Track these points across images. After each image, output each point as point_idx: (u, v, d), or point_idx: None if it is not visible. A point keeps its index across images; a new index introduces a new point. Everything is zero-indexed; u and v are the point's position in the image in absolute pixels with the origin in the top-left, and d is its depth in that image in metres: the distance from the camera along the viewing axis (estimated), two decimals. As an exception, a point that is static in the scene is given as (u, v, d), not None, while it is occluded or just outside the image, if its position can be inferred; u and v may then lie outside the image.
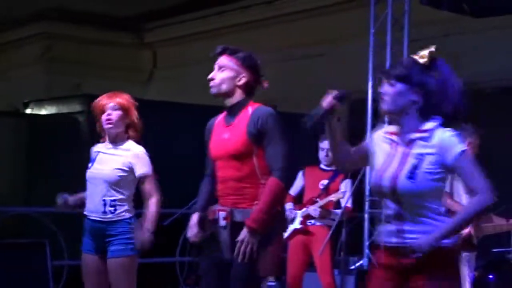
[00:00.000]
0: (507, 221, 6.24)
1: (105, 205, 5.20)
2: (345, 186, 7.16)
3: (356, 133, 10.41)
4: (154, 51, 16.13)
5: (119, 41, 15.66)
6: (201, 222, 4.63)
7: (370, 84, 9.21)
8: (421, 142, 3.64)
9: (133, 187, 5.27)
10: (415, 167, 3.61)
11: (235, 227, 4.42)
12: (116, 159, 5.24)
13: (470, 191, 3.68)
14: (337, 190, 7.13)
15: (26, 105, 11.32)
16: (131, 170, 5.23)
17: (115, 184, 5.20)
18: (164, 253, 8.70)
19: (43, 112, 10.97)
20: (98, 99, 5.36)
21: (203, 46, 14.90)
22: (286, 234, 7.22)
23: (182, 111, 10.40)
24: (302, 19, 13.26)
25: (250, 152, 4.46)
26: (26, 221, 9.24)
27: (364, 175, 8.47)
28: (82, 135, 9.62)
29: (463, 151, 3.61)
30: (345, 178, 7.19)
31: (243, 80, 4.64)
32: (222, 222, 4.49)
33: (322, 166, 7.30)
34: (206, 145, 4.74)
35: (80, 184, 9.42)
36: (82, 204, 5.43)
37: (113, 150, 5.30)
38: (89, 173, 5.33)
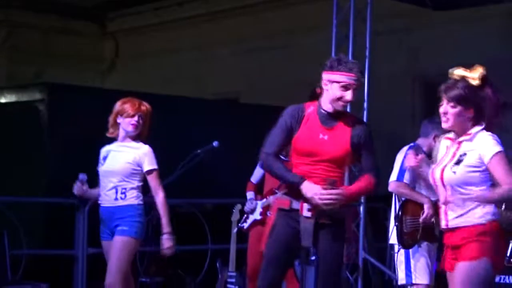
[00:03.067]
0: None
1: (116, 192, 5.83)
2: None
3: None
4: (116, 40, 16.03)
5: (81, 30, 15.53)
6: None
7: (332, 76, 9.21)
8: (466, 143, 4.59)
9: (141, 180, 5.92)
10: (458, 162, 4.56)
11: (319, 218, 4.97)
12: (127, 154, 5.88)
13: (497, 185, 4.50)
14: None
15: (-15, 93, 11.20)
16: (139, 165, 5.86)
17: (126, 175, 5.84)
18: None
19: (3, 100, 10.85)
20: (127, 103, 5.93)
21: (165, 37, 14.92)
22: (246, 225, 7.24)
23: (143, 101, 10.32)
24: (264, 10, 13.25)
25: (346, 159, 5.08)
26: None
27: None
28: (42, 123, 9.53)
29: (498, 152, 4.50)
30: None
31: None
32: (307, 213, 4.98)
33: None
34: (287, 131, 5.07)
35: (39, 172, 9.37)
36: (91, 196, 6.12)
37: (123, 147, 5.92)
38: (104, 168, 5.93)
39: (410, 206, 6.21)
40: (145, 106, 5.99)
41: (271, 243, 5.11)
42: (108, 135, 6.01)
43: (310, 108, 5.10)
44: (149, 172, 5.88)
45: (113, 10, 15.48)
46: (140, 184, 5.93)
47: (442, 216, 4.70)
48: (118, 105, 5.94)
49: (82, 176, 5.91)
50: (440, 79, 11.57)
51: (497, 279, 7.31)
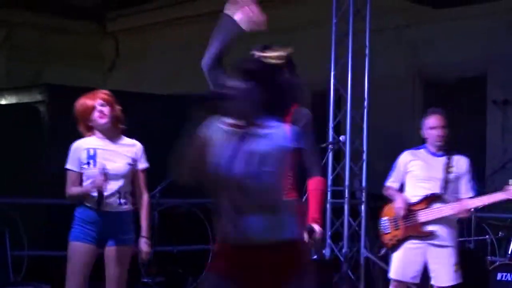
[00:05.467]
0: None
1: (120, 197, 5.41)
2: None
3: (318, 123, 10.49)
4: (117, 40, 16.02)
5: (81, 30, 15.51)
6: None
7: (332, 73, 9.23)
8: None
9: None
10: None
11: None
12: (125, 154, 5.50)
13: None
14: None
15: (-15, 94, 11.22)
16: (135, 164, 5.52)
17: (128, 177, 5.48)
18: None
19: (3, 101, 10.86)
20: (80, 101, 5.52)
21: (166, 36, 14.91)
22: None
23: (144, 101, 10.35)
24: (264, 9, 13.20)
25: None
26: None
27: (326, 164, 8.51)
28: (43, 124, 9.55)
29: None
30: None
31: None
32: None
33: None
34: None
35: (40, 173, 9.37)
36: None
37: (115, 146, 5.52)
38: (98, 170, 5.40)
39: (387, 208, 6.31)
40: (100, 92, 5.57)
41: None
42: (87, 135, 5.53)
43: None
44: (144, 170, 5.56)
45: (113, 9, 15.46)
46: None
47: None
48: (77, 109, 5.51)
49: (105, 169, 5.37)
50: (440, 76, 11.56)
51: (498, 276, 7.32)
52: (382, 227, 6.40)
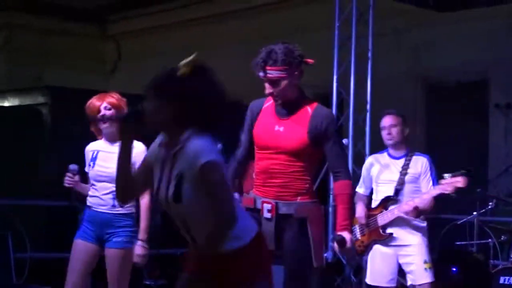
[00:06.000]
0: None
1: (114, 198, 5.34)
2: None
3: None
4: (118, 43, 16.02)
5: (82, 32, 15.51)
6: None
7: (335, 77, 9.22)
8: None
9: None
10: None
11: (280, 219, 4.63)
12: None
13: None
14: None
15: (-13, 97, 11.22)
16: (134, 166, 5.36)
17: None
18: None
19: (6, 103, 10.87)
20: (90, 101, 5.50)
21: (167, 38, 14.91)
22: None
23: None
24: (266, 12, 13.25)
25: (306, 150, 4.59)
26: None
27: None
28: (45, 126, 9.55)
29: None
30: None
31: (296, 77, 4.66)
32: (267, 215, 4.65)
33: None
34: (248, 127, 4.80)
35: (42, 174, 9.37)
36: (83, 191, 5.54)
37: (115, 148, 5.35)
38: (95, 171, 5.46)
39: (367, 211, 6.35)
40: (110, 96, 5.51)
41: None
42: (99, 139, 5.57)
43: (270, 101, 4.78)
44: None
45: (115, 12, 15.46)
46: None
47: None
48: (86, 110, 5.50)
49: (73, 167, 5.47)
50: (442, 80, 11.56)
51: (501, 280, 7.32)
52: (353, 234, 6.44)
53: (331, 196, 9.02)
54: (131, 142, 3.69)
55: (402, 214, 6.06)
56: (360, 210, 6.33)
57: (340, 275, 8.94)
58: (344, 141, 7.70)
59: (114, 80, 15.65)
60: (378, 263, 6.21)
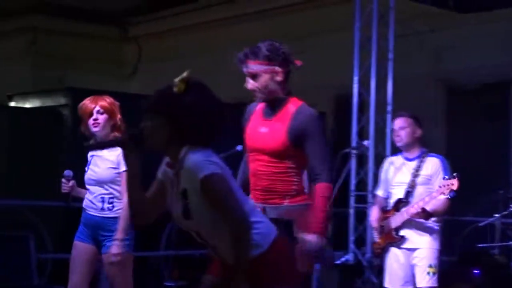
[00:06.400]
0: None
1: (103, 201, 5.38)
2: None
3: (341, 129, 10.47)
4: (139, 45, 16.07)
5: (103, 35, 15.58)
6: None
7: (355, 79, 9.21)
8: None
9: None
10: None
11: None
12: (107, 158, 5.40)
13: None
14: None
15: (10, 98, 11.28)
16: (118, 167, 5.38)
17: (111, 182, 5.40)
18: (149, 247, 8.68)
19: (27, 105, 10.92)
20: (83, 102, 5.49)
21: (188, 40, 14.94)
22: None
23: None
24: (287, 13, 13.24)
25: (287, 151, 4.43)
26: (9, 214, 9.19)
27: (349, 170, 8.48)
28: (66, 128, 9.58)
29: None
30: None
31: (280, 75, 4.56)
32: None
33: None
34: (243, 129, 4.71)
35: (62, 175, 9.38)
36: (80, 195, 5.54)
37: (104, 151, 5.42)
38: (87, 175, 5.49)
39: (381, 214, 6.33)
40: (102, 99, 5.47)
41: None
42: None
43: (260, 104, 4.68)
44: (123, 174, 5.31)
45: (135, 15, 15.52)
46: None
47: None
48: (78, 110, 5.49)
49: (68, 173, 5.48)
50: (463, 81, 11.52)
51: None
52: (374, 237, 6.45)
53: (351, 198, 9.01)
54: (137, 166, 3.64)
55: (408, 216, 6.02)
56: (373, 214, 6.33)
57: (361, 277, 8.92)
58: (365, 142, 7.69)
59: (134, 82, 15.70)
60: (393, 265, 6.17)
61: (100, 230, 5.38)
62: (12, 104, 11.20)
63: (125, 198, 5.27)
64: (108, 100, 5.48)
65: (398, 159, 6.27)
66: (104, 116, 5.40)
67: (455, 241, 8.64)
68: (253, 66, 4.54)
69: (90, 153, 5.54)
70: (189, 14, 14.55)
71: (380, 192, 6.39)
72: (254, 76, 4.53)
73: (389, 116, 9.10)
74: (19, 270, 7.96)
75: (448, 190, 5.80)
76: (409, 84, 10.59)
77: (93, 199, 5.42)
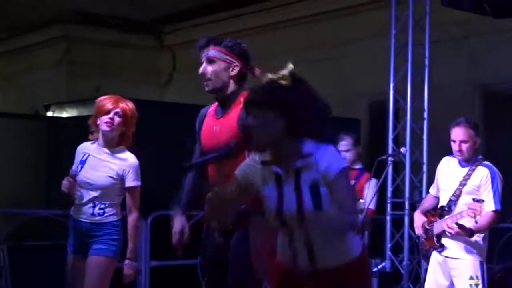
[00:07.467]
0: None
1: (94, 207, 5.26)
2: (370, 187, 7.05)
3: (377, 135, 10.41)
4: (174, 53, 16.13)
5: (138, 44, 15.67)
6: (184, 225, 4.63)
7: (391, 85, 9.16)
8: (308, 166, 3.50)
9: (122, 194, 5.35)
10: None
11: (227, 232, 4.38)
12: (110, 166, 5.30)
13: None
14: (362, 190, 7.10)
15: (47, 108, 11.37)
16: (121, 179, 5.29)
17: (106, 190, 5.27)
18: (186, 254, 8.66)
19: (64, 114, 11.00)
20: (103, 99, 5.41)
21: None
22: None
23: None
24: (323, 20, 13.21)
25: (240, 146, 4.25)
26: (46, 223, 9.25)
27: (386, 177, 8.41)
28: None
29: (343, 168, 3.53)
30: (371, 177, 7.09)
31: (236, 70, 4.52)
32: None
33: None
34: (197, 136, 4.65)
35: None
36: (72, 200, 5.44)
37: (108, 156, 5.34)
38: (82, 176, 5.34)
39: (428, 215, 6.23)
40: (125, 103, 5.37)
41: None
42: (90, 138, 5.48)
43: (214, 105, 4.64)
44: (131, 188, 5.30)
45: (170, 23, 15.58)
46: (121, 198, 5.36)
47: None
48: (96, 104, 5.40)
49: (73, 171, 5.36)
50: (501, 87, 11.40)
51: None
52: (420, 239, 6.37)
53: (388, 206, 8.95)
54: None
55: (443, 229, 5.90)
56: (416, 220, 6.24)
57: (398, 285, 8.85)
58: (402, 149, 7.62)
59: (169, 90, 15.76)
60: (434, 271, 6.09)
61: (87, 236, 5.27)
62: (49, 114, 11.28)
63: (132, 215, 5.30)
64: (130, 105, 5.40)
65: (453, 161, 6.09)
66: (120, 120, 5.31)
67: (493, 248, 8.55)
68: (213, 51, 4.51)
69: (82, 151, 5.42)
70: (224, 23, 14.57)
71: (433, 191, 6.27)
72: (211, 62, 4.51)
73: (425, 123, 9.03)
74: (56, 279, 7.99)
75: (473, 215, 5.63)
76: (445, 90, 10.52)
77: (82, 205, 5.29)
